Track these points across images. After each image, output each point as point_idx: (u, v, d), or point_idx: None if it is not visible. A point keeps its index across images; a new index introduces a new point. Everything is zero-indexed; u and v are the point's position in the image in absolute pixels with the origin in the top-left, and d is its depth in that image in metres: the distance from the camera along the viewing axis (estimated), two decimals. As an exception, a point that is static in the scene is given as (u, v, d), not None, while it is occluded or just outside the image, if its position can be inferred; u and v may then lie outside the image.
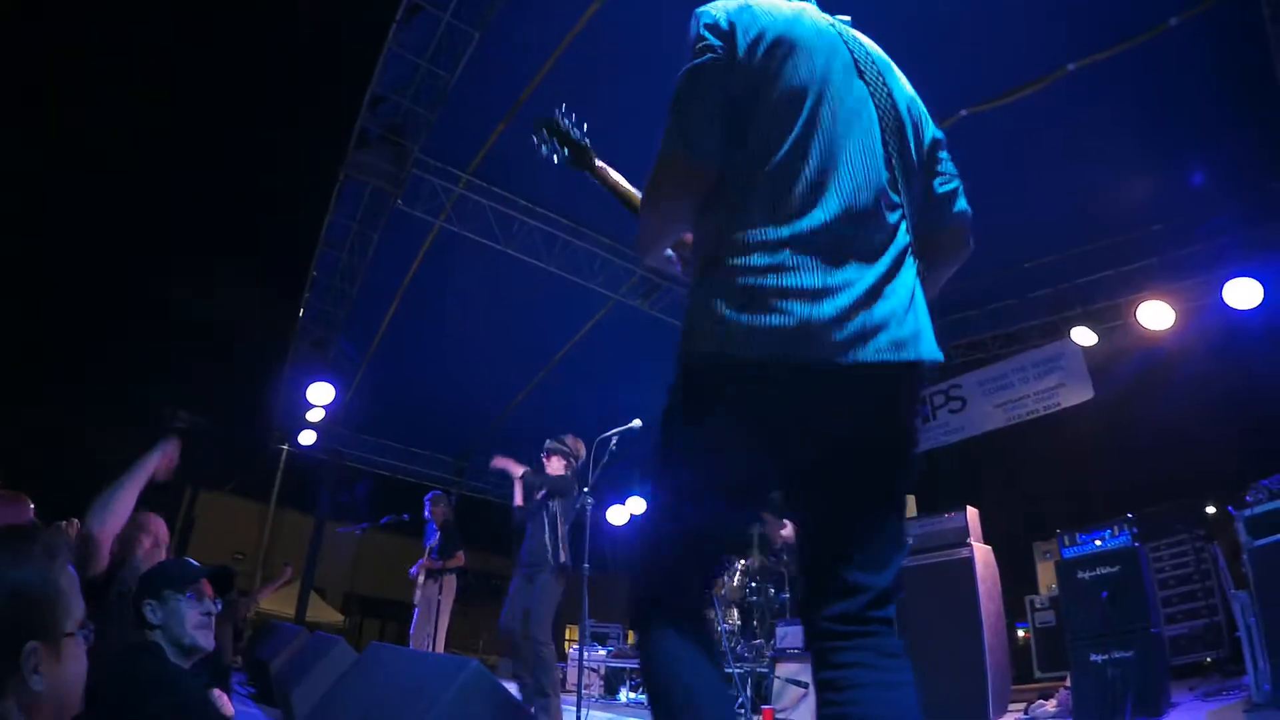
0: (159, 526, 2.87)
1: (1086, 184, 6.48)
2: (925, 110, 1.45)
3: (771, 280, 1.17)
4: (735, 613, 6.39)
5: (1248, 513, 4.03)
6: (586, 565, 4.46)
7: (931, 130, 1.45)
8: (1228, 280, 6.25)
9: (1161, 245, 7.01)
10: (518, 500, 5.09)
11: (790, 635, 5.77)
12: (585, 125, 1.87)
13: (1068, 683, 4.71)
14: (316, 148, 8.54)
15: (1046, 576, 7.47)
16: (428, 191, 7.30)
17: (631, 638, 7.81)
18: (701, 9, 1.35)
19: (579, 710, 4.19)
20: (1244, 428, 8.13)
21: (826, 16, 1.42)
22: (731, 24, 1.29)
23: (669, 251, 1.67)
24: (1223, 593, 5.44)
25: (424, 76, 6.29)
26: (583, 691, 4.42)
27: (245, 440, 12.31)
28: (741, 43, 1.28)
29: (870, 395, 1.21)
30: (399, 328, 9.24)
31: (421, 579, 6.92)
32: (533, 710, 4.40)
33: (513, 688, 3.87)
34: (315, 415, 9.58)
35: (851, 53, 1.37)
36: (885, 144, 1.32)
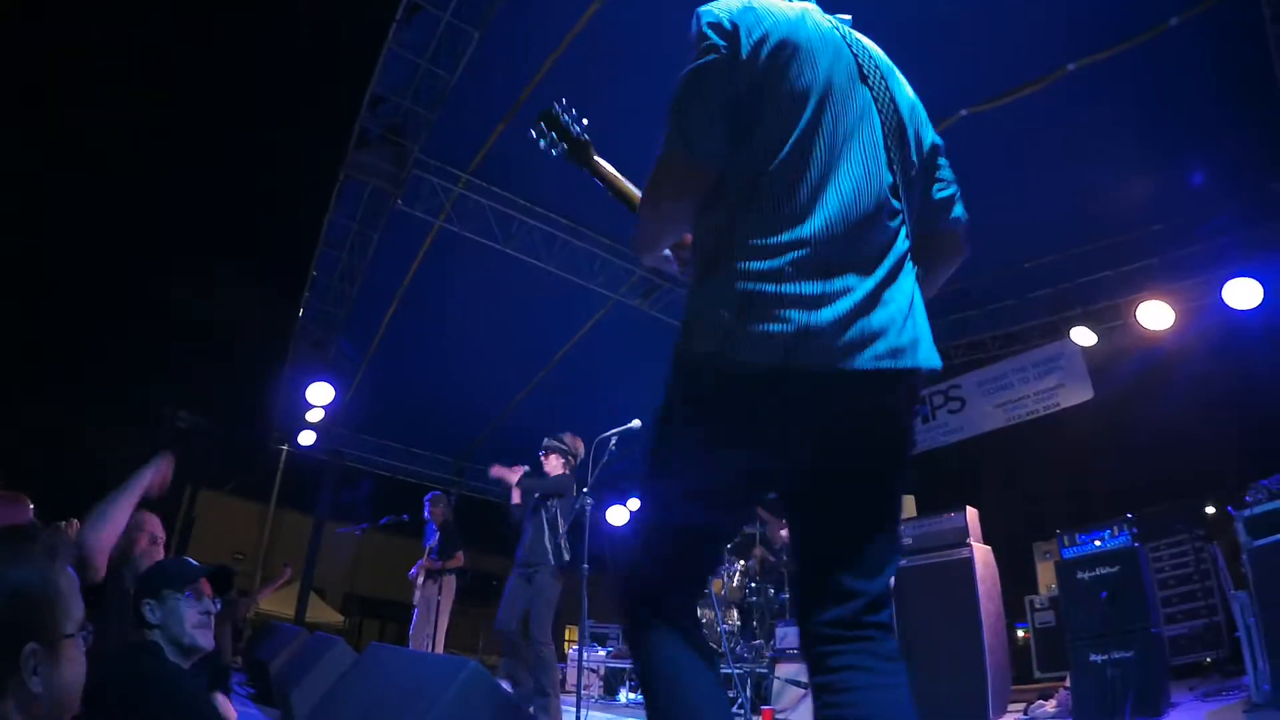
0: (155, 524, 2.87)
1: (1086, 184, 6.48)
2: (925, 115, 1.45)
3: (771, 286, 1.17)
4: (735, 613, 6.39)
5: (1247, 513, 4.03)
6: (586, 566, 4.45)
7: (931, 135, 1.45)
8: (1227, 280, 6.25)
9: (1161, 245, 7.01)
10: (515, 499, 5.09)
11: (790, 636, 5.77)
12: (585, 120, 1.87)
13: (1067, 683, 4.71)
14: (316, 148, 8.56)
15: (1046, 577, 7.47)
16: (427, 191, 7.30)
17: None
18: (703, 8, 1.34)
19: (578, 711, 4.19)
20: (1244, 428, 8.15)
21: (829, 18, 1.42)
22: (735, 24, 1.28)
23: (666, 251, 1.67)
24: (1222, 593, 5.44)
25: (424, 76, 6.29)
26: (582, 692, 4.42)
27: (245, 440, 12.31)
28: (745, 44, 1.27)
29: (867, 401, 1.21)
30: (399, 328, 9.23)
31: (421, 579, 6.92)
32: (531, 710, 4.40)
33: (506, 687, 3.87)
34: (315, 416, 9.58)
35: (855, 56, 1.36)
36: (887, 149, 1.32)
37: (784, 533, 5.83)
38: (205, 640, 2.09)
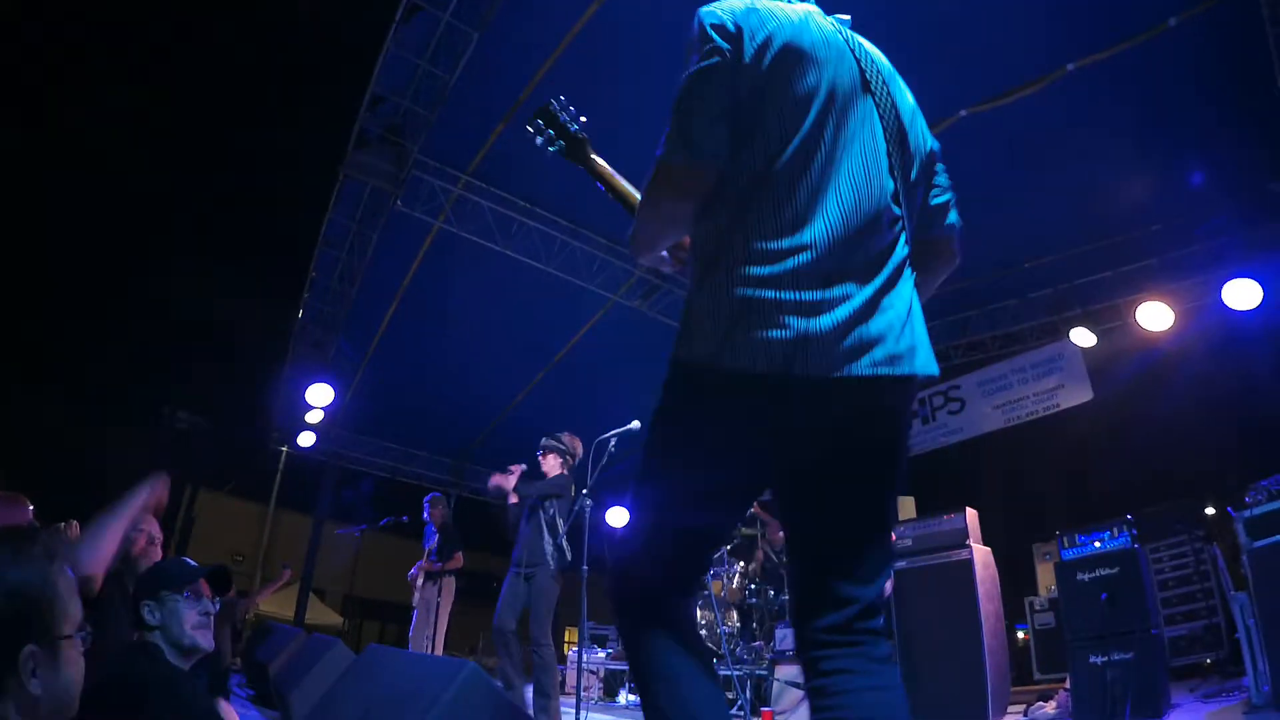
0: (153, 525, 2.87)
1: (1086, 184, 6.48)
2: (924, 121, 1.45)
3: (770, 292, 1.17)
4: (734, 615, 6.38)
5: (1247, 514, 4.04)
6: (585, 567, 4.45)
7: (930, 141, 1.45)
8: (1227, 281, 6.25)
9: (1161, 246, 7.01)
10: (511, 499, 5.07)
11: (789, 637, 5.76)
12: (583, 118, 1.86)
13: (1067, 684, 4.70)
14: (316, 148, 8.54)
15: (1046, 578, 7.47)
16: (427, 192, 7.30)
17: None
18: (706, 9, 1.33)
19: (578, 712, 4.18)
20: (1243, 429, 8.15)
21: (831, 21, 1.41)
22: (739, 27, 1.27)
23: (663, 251, 1.67)
24: (1222, 594, 5.44)
25: (423, 77, 6.28)
26: (582, 694, 4.41)
27: (245, 441, 12.31)
28: (749, 47, 1.26)
29: (864, 407, 1.22)
30: (398, 328, 9.23)
31: (420, 581, 6.92)
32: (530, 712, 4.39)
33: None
34: (314, 417, 9.58)
35: (858, 61, 1.36)
36: (889, 156, 1.32)
37: (782, 534, 5.82)
38: (205, 641, 2.08)
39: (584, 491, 4.65)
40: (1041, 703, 4.96)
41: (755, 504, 4.53)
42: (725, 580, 6.45)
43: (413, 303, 8.77)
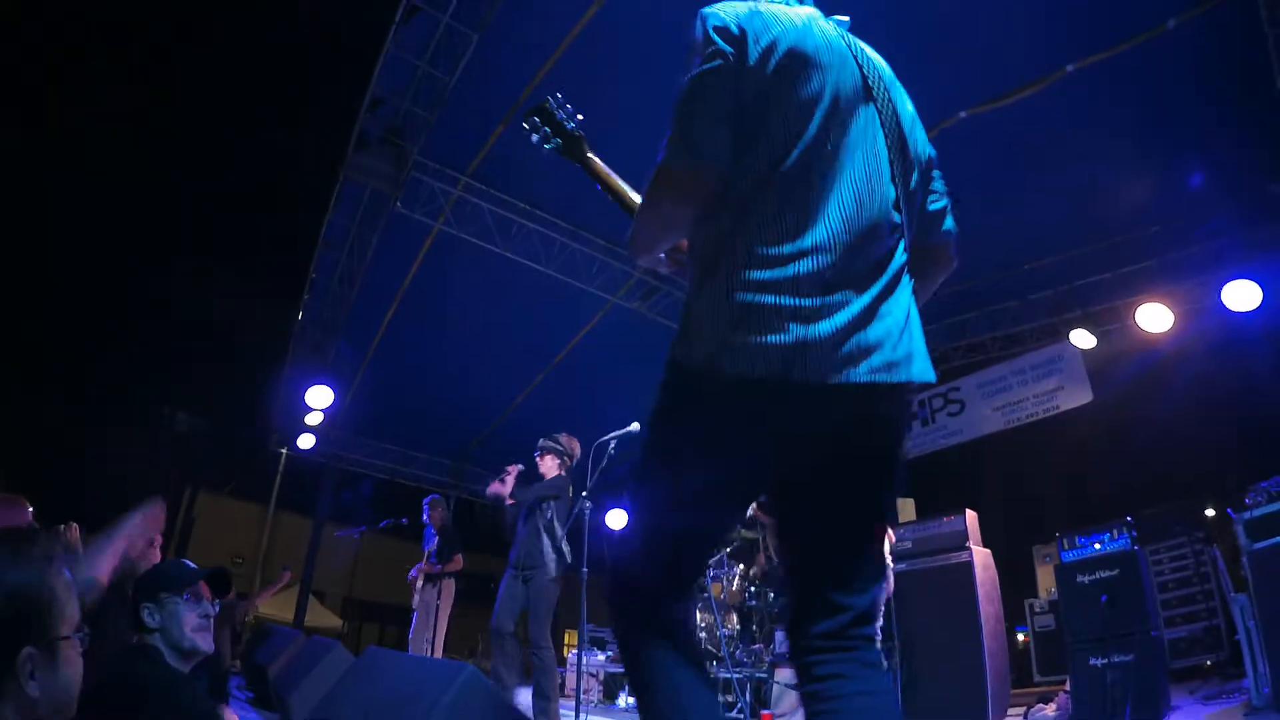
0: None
1: (1086, 185, 6.48)
2: (922, 127, 1.45)
3: (770, 298, 1.17)
4: (734, 617, 6.37)
5: (1247, 515, 4.04)
6: (585, 569, 4.44)
7: (928, 148, 1.45)
8: (1227, 282, 6.25)
9: (1160, 247, 7.01)
10: (508, 501, 5.06)
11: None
12: (580, 115, 1.86)
13: (1067, 686, 4.70)
14: (316, 149, 8.54)
15: (1046, 580, 7.47)
16: (426, 194, 7.30)
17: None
18: (708, 10, 1.32)
19: (577, 715, 4.18)
20: (1243, 430, 8.15)
21: (832, 25, 1.41)
22: (743, 30, 1.27)
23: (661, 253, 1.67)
24: (1222, 596, 5.44)
25: (423, 78, 6.29)
26: (581, 696, 4.41)
27: (244, 442, 12.31)
28: (752, 51, 1.26)
29: (861, 414, 1.22)
30: (398, 330, 9.23)
31: (420, 583, 6.91)
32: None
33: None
34: (314, 419, 9.57)
35: (860, 67, 1.35)
36: (891, 163, 1.32)
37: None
38: (204, 643, 2.08)
39: (584, 494, 4.65)
40: (1041, 705, 4.96)
41: (755, 507, 4.52)
42: (725, 583, 6.44)
43: (412, 304, 8.77)
